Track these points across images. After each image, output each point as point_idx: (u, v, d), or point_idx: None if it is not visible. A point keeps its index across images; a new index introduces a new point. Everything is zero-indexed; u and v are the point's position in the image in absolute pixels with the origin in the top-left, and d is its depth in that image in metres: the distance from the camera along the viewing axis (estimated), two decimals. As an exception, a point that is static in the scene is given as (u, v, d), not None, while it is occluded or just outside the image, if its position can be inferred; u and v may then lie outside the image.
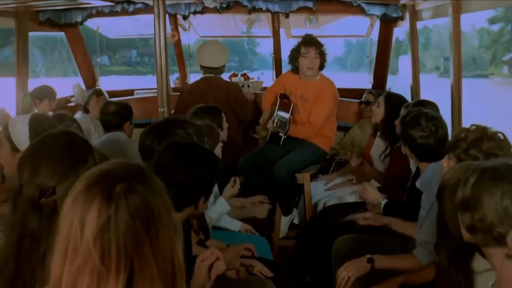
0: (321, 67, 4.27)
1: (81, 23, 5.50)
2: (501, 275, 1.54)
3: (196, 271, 1.85)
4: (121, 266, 1.04)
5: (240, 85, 5.66)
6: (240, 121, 4.79)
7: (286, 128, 4.17)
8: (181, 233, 1.18)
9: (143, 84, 7.07)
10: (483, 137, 2.10)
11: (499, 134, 2.11)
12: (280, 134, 4.17)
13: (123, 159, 1.17)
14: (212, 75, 4.72)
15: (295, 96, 4.33)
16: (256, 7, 5.27)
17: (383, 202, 3.12)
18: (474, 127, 2.15)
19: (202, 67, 4.78)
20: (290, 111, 4.27)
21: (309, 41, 4.19)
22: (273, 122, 4.17)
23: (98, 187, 1.07)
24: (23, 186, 1.52)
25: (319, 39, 4.33)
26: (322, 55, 4.20)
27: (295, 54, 4.26)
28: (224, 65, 4.79)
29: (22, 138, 2.32)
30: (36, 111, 4.59)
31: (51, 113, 4.74)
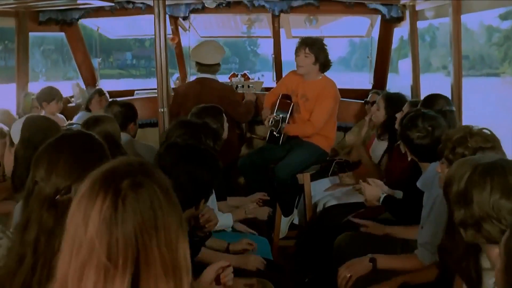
0: (322, 67, 4.25)
1: (79, 19, 5.48)
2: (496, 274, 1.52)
3: (204, 273, 1.90)
4: (127, 261, 1.04)
5: (240, 85, 5.66)
6: (234, 123, 4.78)
7: (279, 126, 4.20)
8: (187, 228, 1.17)
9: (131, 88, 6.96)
10: (467, 134, 2.13)
11: (485, 130, 2.14)
12: (274, 133, 4.19)
13: (127, 157, 1.17)
14: (206, 75, 4.71)
15: (297, 95, 4.34)
16: (256, 5, 5.26)
17: (382, 195, 3.10)
18: (460, 128, 2.18)
19: (196, 64, 4.78)
20: (289, 112, 4.27)
21: (301, 41, 4.26)
22: (269, 121, 4.21)
23: (102, 184, 1.08)
24: (38, 183, 1.53)
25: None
26: (316, 55, 4.18)
27: (294, 54, 4.30)
28: (218, 64, 4.77)
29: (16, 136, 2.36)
30: (44, 113, 4.59)
31: (60, 116, 4.77)
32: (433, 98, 3.41)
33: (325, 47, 4.25)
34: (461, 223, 1.58)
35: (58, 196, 1.49)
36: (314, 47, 4.17)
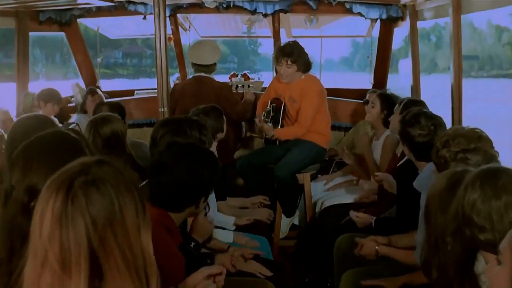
0: (304, 70, 4.23)
1: (79, 17, 5.47)
2: (490, 282, 1.43)
3: (195, 274, 1.85)
4: (80, 264, 1.03)
5: (240, 85, 5.66)
6: (232, 122, 4.77)
7: (271, 115, 4.23)
8: (150, 225, 1.16)
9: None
10: (450, 138, 2.14)
11: (477, 131, 2.14)
12: (269, 123, 4.23)
13: (84, 157, 1.16)
14: (202, 74, 4.73)
15: (285, 98, 4.34)
16: (257, 10, 5.26)
17: (373, 219, 3.15)
18: (450, 130, 2.18)
19: (193, 64, 4.80)
20: (282, 108, 4.28)
21: (280, 52, 4.19)
22: (262, 116, 4.25)
23: (56, 184, 1.07)
24: (14, 187, 1.50)
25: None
26: (296, 62, 4.15)
27: (275, 60, 4.28)
28: (215, 64, 4.79)
29: None
30: (40, 112, 4.59)
31: (55, 119, 4.77)
32: (408, 105, 3.41)
33: (303, 50, 4.22)
34: (455, 231, 1.54)
35: (32, 204, 1.44)
36: (294, 56, 4.13)
